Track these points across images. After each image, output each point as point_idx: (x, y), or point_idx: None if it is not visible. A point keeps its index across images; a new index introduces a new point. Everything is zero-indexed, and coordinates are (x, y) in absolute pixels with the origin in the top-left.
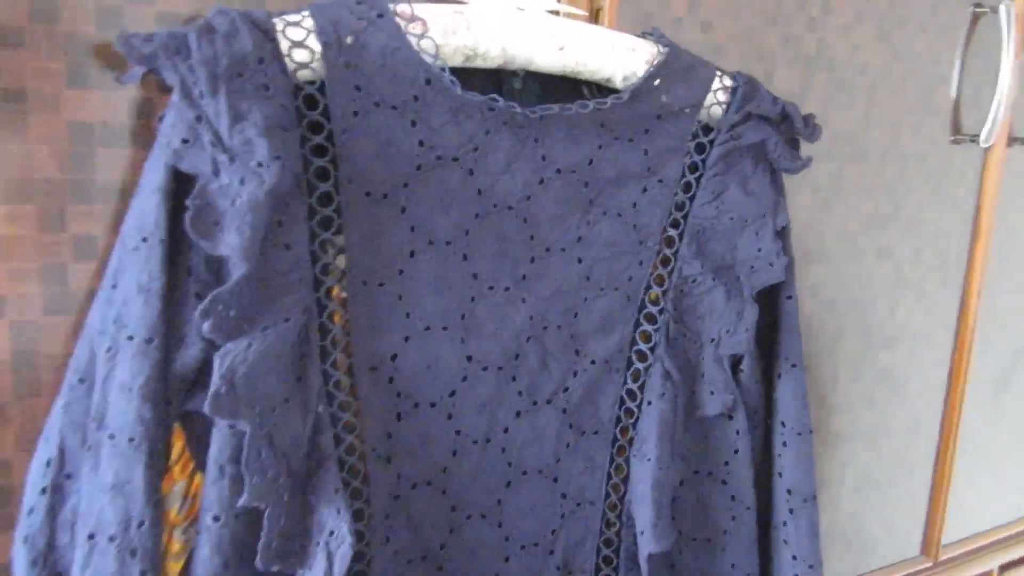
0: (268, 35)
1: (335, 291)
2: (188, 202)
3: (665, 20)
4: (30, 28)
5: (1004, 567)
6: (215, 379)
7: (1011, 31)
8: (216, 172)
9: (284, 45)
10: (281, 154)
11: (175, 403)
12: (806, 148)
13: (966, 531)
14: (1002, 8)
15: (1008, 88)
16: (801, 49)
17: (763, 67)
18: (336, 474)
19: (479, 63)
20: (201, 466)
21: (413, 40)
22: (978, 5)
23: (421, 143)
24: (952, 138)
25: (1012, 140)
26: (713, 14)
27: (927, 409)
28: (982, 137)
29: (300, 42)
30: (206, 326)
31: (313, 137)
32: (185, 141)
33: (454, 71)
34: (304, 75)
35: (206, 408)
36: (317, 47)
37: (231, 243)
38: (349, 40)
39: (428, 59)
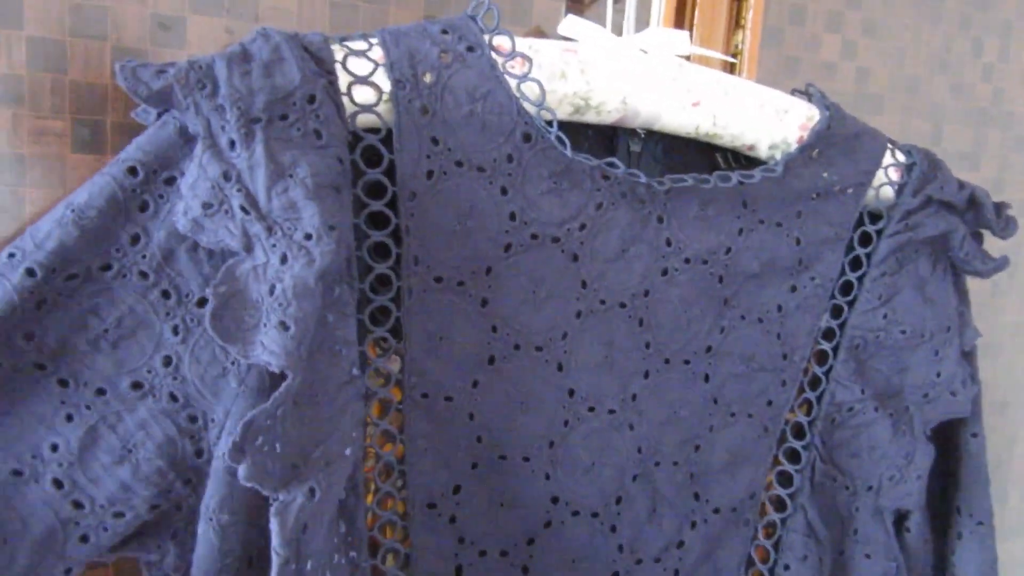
0: (323, 66)
1: (379, 405)
2: (209, 291)
3: (815, 66)
4: None
5: None
6: (276, 549)
7: None
8: (248, 248)
9: (343, 80)
10: (336, 223)
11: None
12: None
13: None
14: None
15: None
16: (974, 101)
17: (929, 123)
18: None
19: (591, 117)
20: None
21: (512, 83)
22: None
23: (513, 216)
24: None
25: None
26: (872, 60)
27: None
28: None
29: (364, 77)
30: (243, 470)
31: (372, 202)
32: (208, 206)
33: (560, 126)
34: (366, 121)
35: None
36: (386, 85)
37: (272, 346)
38: (428, 78)
39: (531, 108)
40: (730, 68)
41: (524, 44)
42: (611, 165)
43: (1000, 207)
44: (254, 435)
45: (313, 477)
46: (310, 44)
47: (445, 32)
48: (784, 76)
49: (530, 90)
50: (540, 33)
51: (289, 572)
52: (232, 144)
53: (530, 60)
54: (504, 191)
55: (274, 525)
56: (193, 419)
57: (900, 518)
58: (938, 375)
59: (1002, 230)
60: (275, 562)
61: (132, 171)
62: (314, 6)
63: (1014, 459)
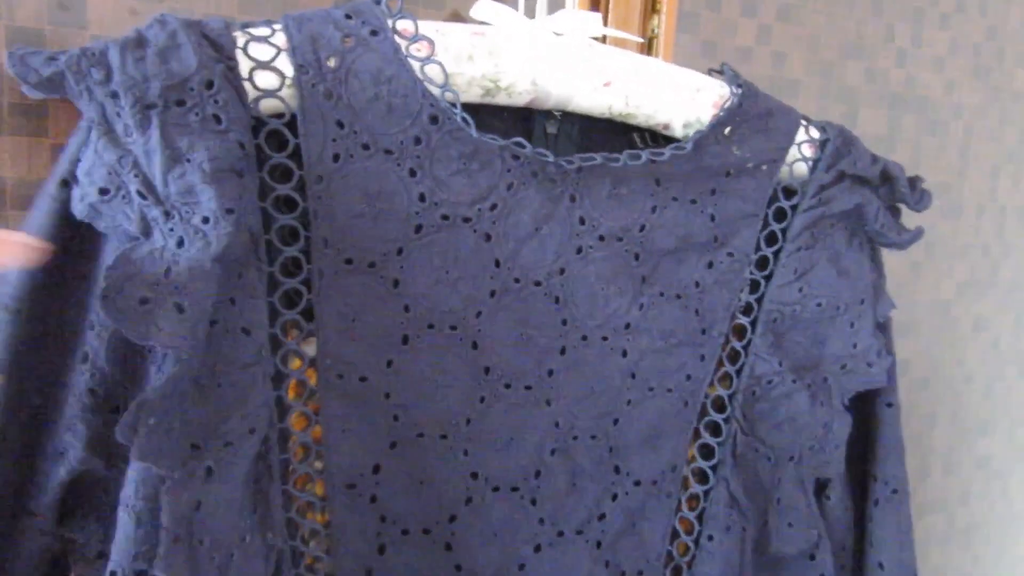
0: (223, 52)
1: (296, 387)
2: (104, 273)
3: (730, 50)
4: None
5: None
6: (166, 527)
7: None
8: (146, 232)
9: (245, 66)
10: (235, 206)
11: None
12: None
13: None
14: None
15: None
16: (888, 86)
17: (844, 107)
18: None
19: (502, 99)
20: None
21: (416, 66)
22: None
23: (422, 197)
24: None
25: None
26: (787, 44)
27: None
28: None
29: (266, 63)
30: (135, 449)
31: (278, 186)
32: (104, 192)
33: (470, 108)
34: (269, 106)
35: (156, 569)
36: (289, 70)
37: (167, 327)
38: (332, 63)
39: (435, 90)
40: (646, 51)
41: (430, 27)
42: (519, 145)
43: (914, 181)
44: (147, 415)
45: (212, 456)
46: (210, 30)
47: (349, 17)
48: (701, 61)
49: (434, 72)
50: (457, 17)
51: (179, 551)
52: (128, 130)
53: (433, 43)
54: (413, 173)
55: (164, 503)
56: (115, 410)
57: (821, 487)
58: (854, 346)
59: (917, 203)
60: (163, 539)
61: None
62: None
63: (935, 435)
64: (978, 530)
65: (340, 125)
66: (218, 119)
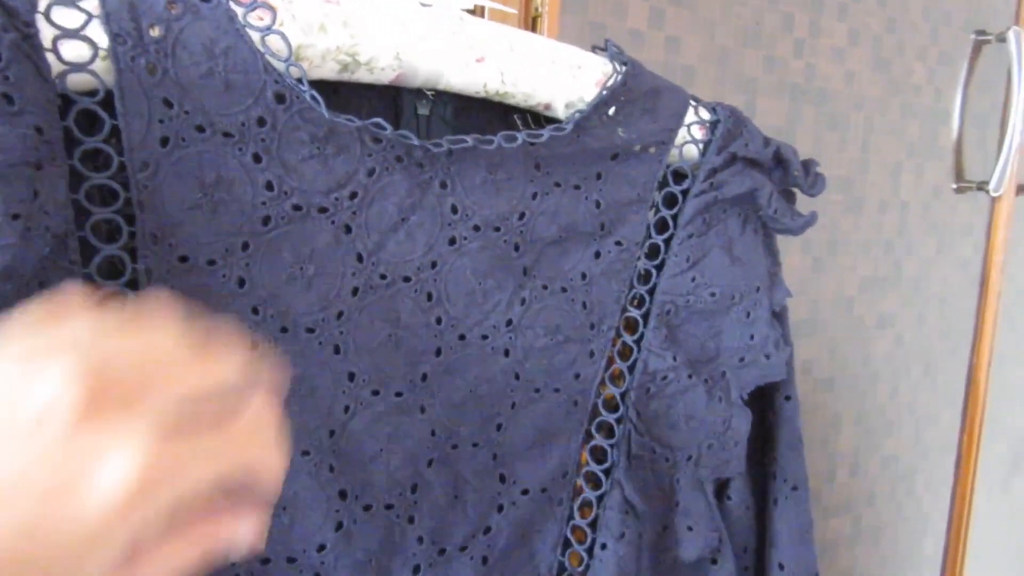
0: (17, 18)
1: None
2: None
3: (621, 33)
4: None
5: None
6: None
7: (1022, 61)
8: None
9: (46, 34)
10: (22, 210)
11: None
12: (802, 202)
13: None
14: (1011, 34)
15: (1019, 128)
16: (787, 76)
17: (742, 96)
18: None
19: (363, 76)
20: None
21: (256, 37)
22: (981, 32)
23: (270, 186)
24: (955, 185)
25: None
26: (681, 29)
27: (934, 503)
28: (991, 185)
29: (75, 31)
30: None
31: (93, 175)
32: None
33: (327, 85)
34: (79, 82)
35: None
36: (103, 40)
37: None
38: (155, 32)
39: (278, 64)
40: (529, 30)
41: None
42: (378, 127)
43: (807, 164)
44: None
45: None
46: None
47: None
48: (589, 43)
49: (277, 44)
50: None
51: None
52: None
53: (275, 10)
54: (257, 158)
55: None
56: None
57: (721, 486)
58: (751, 338)
59: (811, 187)
60: None
61: None
62: None
63: (840, 436)
64: (884, 531)
65: (168, 104)
66: (9, 99)
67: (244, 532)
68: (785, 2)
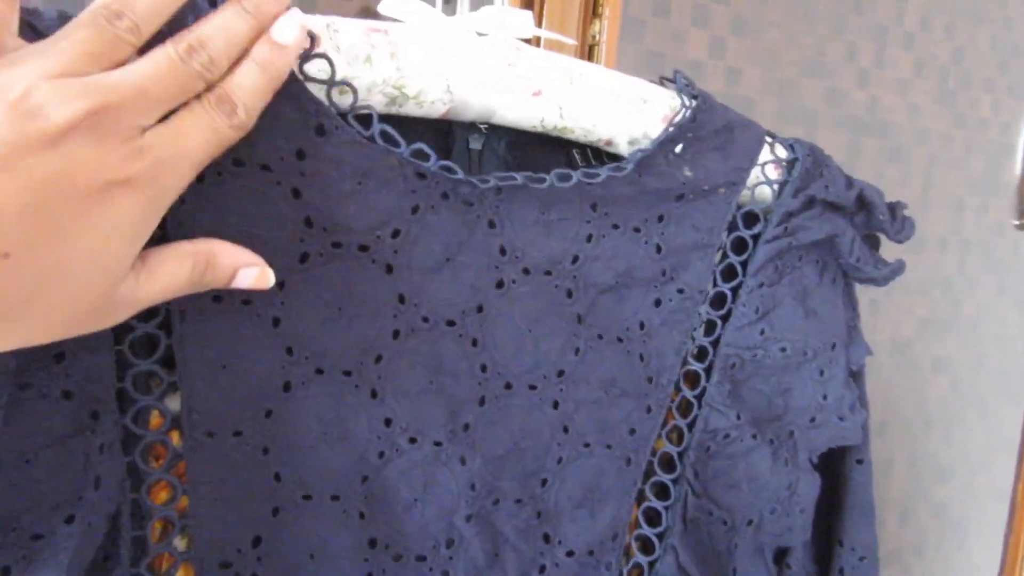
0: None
1: (156, 451)
2: None
3: (680, 63)
4: None
5: None
6: None
7: None
8: None
9: None
10: None
11: None
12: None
13: None
14: None
15: None
16: (849, 108)
17: (802, 128)
18: None
19: (411, 109)
20: None
21: (294, 63)
22: None
23: (309, 222)
24: (1018, 222)
25: None
26: (741, 60)
27: (985, 554)
28: None
29: None
30: None
31: None
32: None
33: (383, 121)
34: None
35: None
36: None
37: None
38: None
39: (319, 94)
40: (586, 57)
41: (320, 22)
42: (421, 157)
43: (894, 207)
44: None
45: (10, 554)
46: (41, 23)
47: (213, 5)
48: (648, 73)
49: (318, 73)
50: (369, 12)
51: None
52: None
53: (317, 38)
54: (297, 193)
55: None
56: None
57: (781, 553)
58: (824, 398)
59: (897, 233)
60: None
61: None
62: None
63: (891, 482)
64: None
65: None
66: None
67: (248, 263)
68: (850, 31)
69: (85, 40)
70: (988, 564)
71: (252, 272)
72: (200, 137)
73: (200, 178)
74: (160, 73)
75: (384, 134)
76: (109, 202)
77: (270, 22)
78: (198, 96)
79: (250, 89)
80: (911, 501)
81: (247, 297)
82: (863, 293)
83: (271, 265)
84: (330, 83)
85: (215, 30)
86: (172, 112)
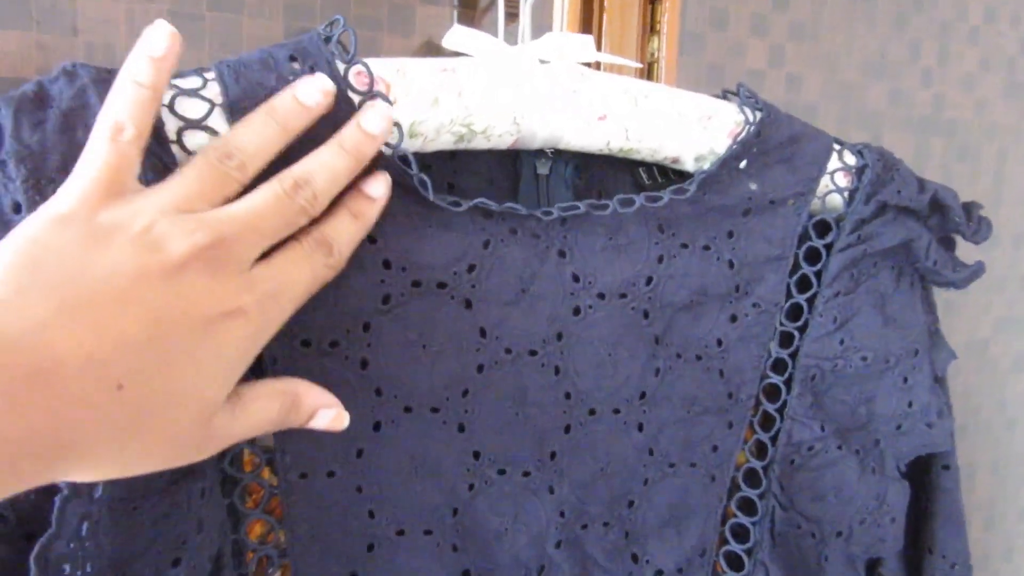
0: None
1: (252, 491)
2: None
3: (740, 74)
4: None
5: None
6: None
7: None
8: None
9: (172, 126)
10: None
11: None
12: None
13: None
14: None
15: None
16: (914, 108)
17: (867, 132)
18: None
19: (480, 144)
20: None
21: None
22: None
23: (387, 264)
24: None
25: None
26: (802, 66)
27: None
28: None
29: (197, 121)
30: None
31: None
32: None
33: (444, 154)
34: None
35: None
36: (225, 129)
37: None
38: None
39: (385, 150)
40: (645, 77)
41: (389, 67)
42: (483, 207)
43: (970, 207)
44: (56, 564)
45: None
46: None
47: (293, 59)
48: (708, 86)
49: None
50: (430, 46)
51: None
52: (17, 207)
53: (389, 85)
54: (373, 239)
55: None
56: (29, 536)
57: (873, 564)
58: (909, 405)
59: (974, 233)
60: None
61: None
62: (148, 15)
63: (975, 487)
64: None
65: None
66: None
67: (327, 404)
68: (912, 29)
69: (198, 178)
70: None
71: (330, 413)
72: (301, 275)
73: None
74: (269, 208)
75: (421, 182)
76: (220, 333)
77: (367, 160)
78: (296, 236)
79: (345, 234)
80: (997, 505)
81: (334, 339)
82: (937, 295)
83: (356, 308)
84: (396, 146)
85: (318, 168)
86: (273, 248)
